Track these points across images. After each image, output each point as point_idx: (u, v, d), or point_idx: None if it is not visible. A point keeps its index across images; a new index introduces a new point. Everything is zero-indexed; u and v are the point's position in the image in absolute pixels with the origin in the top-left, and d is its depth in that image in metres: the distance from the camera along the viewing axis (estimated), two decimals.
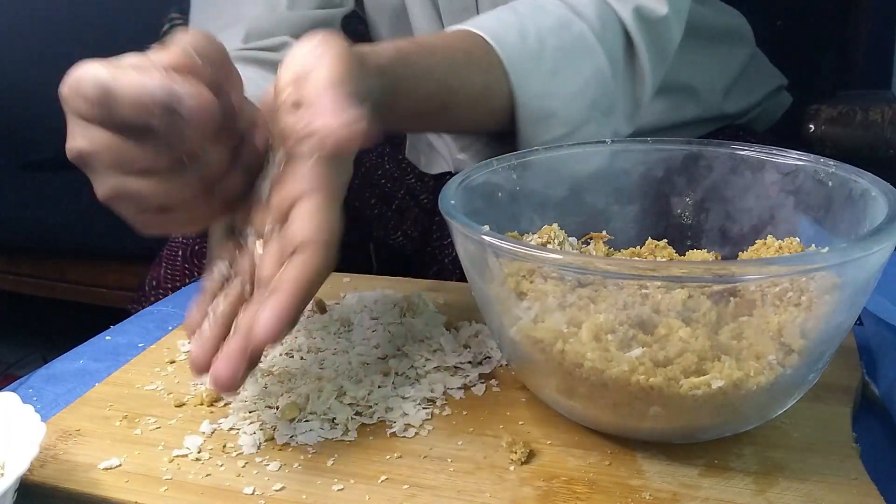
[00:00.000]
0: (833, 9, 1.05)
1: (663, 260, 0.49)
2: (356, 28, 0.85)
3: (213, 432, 0.44)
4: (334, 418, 0.44)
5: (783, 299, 0.37)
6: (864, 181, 0.42)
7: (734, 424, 0.39)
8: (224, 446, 0.42)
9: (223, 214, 0.44)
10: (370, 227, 0.85)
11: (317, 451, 0.42)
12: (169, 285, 0.78)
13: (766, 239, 0.47)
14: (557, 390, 0.40)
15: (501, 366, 0.49)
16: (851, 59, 1.04)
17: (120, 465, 0.42)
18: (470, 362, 0.49)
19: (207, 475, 0.40)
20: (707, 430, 0.39)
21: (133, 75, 0.37)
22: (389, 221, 0.86)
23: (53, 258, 2.02)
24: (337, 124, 0.38)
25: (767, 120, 0.93)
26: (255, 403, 0.46)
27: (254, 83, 0.45)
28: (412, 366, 0.49)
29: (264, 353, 0.39)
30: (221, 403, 0.47)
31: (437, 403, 0.45)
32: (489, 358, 0.50)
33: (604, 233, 0.52)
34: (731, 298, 0.36)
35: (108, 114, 0.37)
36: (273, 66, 0.63)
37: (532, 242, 0.48)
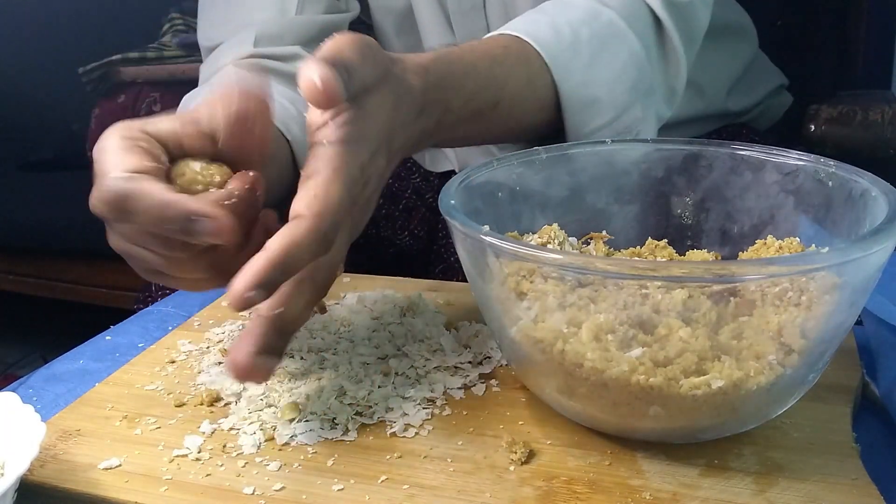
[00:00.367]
0: (833, 9, 1.05)
1: (663, 260, 0.49)
2: (363, 33, 0.85)
3: (213, 432, 0.44)
4: (334, 418, 0.44)
5: (783, 299, 0.37)
6: (865, 181, 0.42)
7: (734, 424, 0.39)
8: (224, 446, 0.43)
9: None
10: (377, 226, 0.85)
11: (317, 451, 0.42)
12: None
13: (766, 239, 0.47)
14: (557, 390, 0.40)
15: (501, 366, 0.49)
16: (851, 59, 1.04)
17: (120, 465, 0.42)
18: (470, 362, 0.49)
19: (207, 475, 0.40)
20: (707, 430, 0.39)
21: (154, 192, 0.38)
22: (397, 221, 0.86)
23: (53, 258, 2.02)
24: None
25: (769, 119, 0.93)
26: (255, 403, 0.46)
27: (278, 104, 0.45)
28: (412, 366, 0.49)
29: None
30: (221, 403, 0.47)
31: (438, 403, 0.45)
32: (489, 358, 0.50)
33: (604, 233, 0.52)
34: (731, 298, 0.36)
35: (127, 220, 0.39)
36: (288, 77, 0.64)
37: (532, 242, 0.48)
